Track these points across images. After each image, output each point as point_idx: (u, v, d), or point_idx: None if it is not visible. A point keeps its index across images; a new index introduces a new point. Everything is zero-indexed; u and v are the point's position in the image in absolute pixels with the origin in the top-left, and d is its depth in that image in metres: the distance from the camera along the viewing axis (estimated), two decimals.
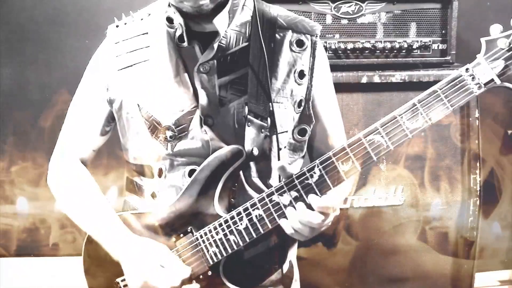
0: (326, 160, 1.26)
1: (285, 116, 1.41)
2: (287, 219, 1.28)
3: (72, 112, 1.51)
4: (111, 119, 1.49)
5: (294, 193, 1.28)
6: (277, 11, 1.45)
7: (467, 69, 1.22)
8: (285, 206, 1.28)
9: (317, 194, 1.27)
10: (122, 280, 1.42)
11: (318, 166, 1.27)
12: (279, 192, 1.29)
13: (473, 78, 1.21)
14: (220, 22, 1.35)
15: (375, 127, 1.24)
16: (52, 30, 2.51)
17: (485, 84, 1.21)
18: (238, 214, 1.32)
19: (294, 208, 1.27)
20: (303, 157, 1.50)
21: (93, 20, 2.47)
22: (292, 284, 1.53)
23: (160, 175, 1.42)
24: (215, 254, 1.35)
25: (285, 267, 1.50)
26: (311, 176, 1.27)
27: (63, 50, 2.52)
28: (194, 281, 1.38)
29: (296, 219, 1.27)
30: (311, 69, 1.43)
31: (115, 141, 1.56)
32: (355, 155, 1.24)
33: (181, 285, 1.34)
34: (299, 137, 1.45)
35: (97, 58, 1.47)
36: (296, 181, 1.28)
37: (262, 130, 1.36)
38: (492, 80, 1.21)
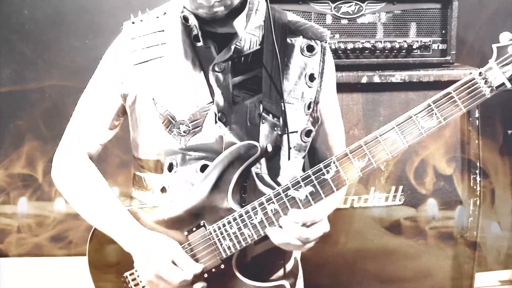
0: (343, 157, 1.30)
1: (296, 116, 1.44)
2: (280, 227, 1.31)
3: (82, 105, 1.51)
4: (121, 113, 1.50)
5: (310, 188, 1.31)
6: (287, 17, 1.49)
7: (480, 73, 1.26)
8: (301, 201, 1.31)
9: (332, 190, 1.30)
10: (130, 274, 1.43)
11: (334, 162, 1.30)
12: (295, 187, 1.31)
13: (485, 81, 1.26)
14: (239, 24, 1.40)
15: (391, 126, 1.28)
16: (52, 30, 2.51)
17: (497, 87, 1.26)
18: (253, 208, 1.34)
19: (310, 203, 1.30)
20: (303, 157, 1.51)
21: (93, 20, 2.46)
22: (297, 281, 1.55)
23: (170, 170, 1.43)
24: (229, 248, 1.37)
25: (290, 263, 1.53)
26: (327, 171, 1.30)
27: (63, 50, 2.52)
28: (206, 274, 1.39)
29: (290, 232, 1.28)
30: (321, 73, 1.47)
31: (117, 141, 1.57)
32: (371, 152, 1.28)
33: (192, 280, 1.35)
34: (305, 138, 1.47)
35: (113, 52, 1.49)
36: (313, 177, 1.30)
37: (275, 128, 1.39)
38: (503, 83, 1.25)
